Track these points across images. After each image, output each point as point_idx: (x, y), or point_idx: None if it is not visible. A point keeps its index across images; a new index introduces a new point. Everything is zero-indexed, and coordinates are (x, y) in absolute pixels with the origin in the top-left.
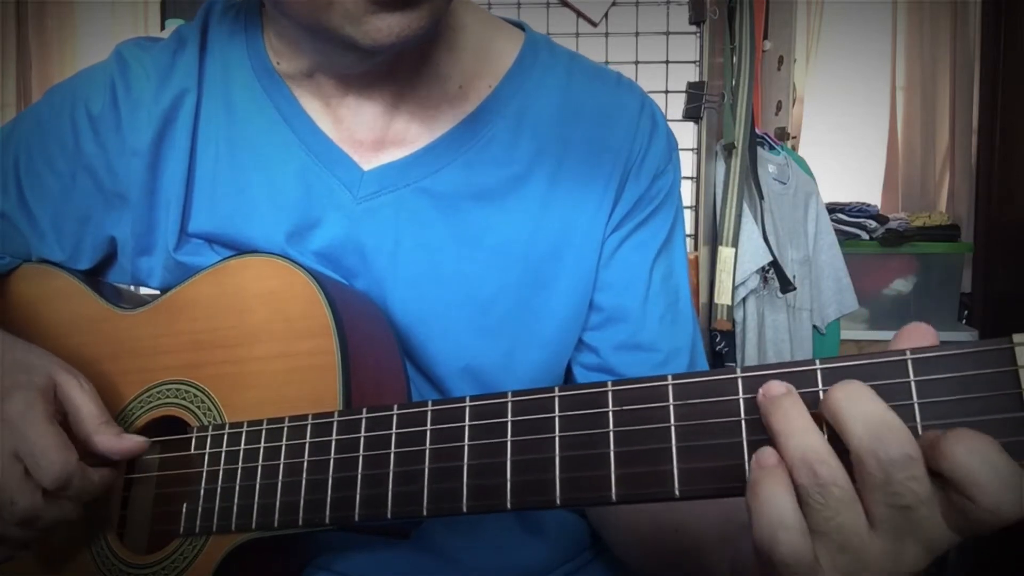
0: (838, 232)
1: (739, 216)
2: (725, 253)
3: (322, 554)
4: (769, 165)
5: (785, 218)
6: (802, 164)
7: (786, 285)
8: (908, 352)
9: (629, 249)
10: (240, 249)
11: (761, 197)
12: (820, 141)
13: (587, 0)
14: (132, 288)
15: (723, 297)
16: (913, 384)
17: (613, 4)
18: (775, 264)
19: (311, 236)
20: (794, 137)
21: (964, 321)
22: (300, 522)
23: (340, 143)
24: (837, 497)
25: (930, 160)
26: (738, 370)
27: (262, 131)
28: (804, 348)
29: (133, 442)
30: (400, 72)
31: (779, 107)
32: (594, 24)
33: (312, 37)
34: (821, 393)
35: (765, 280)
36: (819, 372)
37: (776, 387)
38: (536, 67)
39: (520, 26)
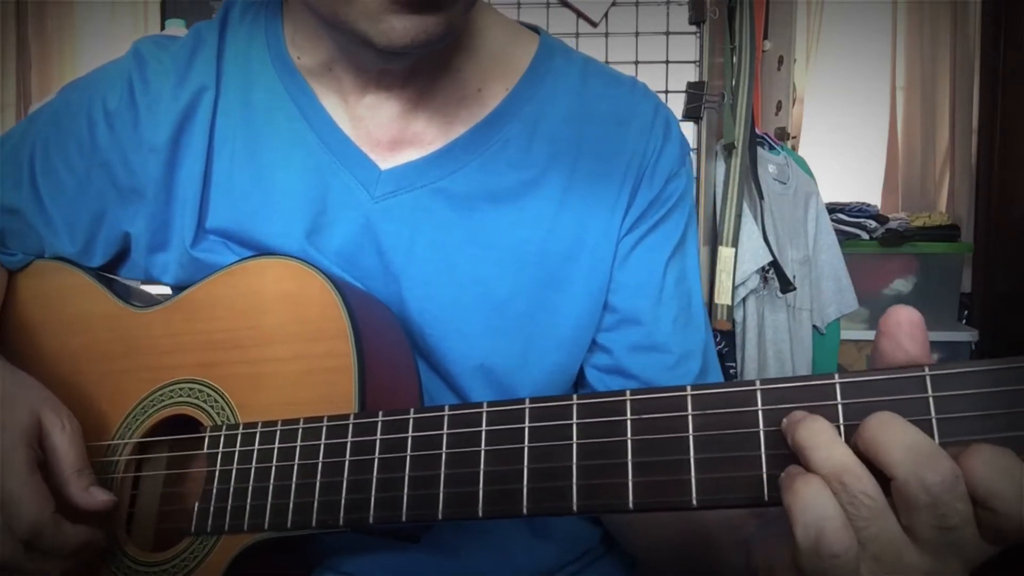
0: (838, 232)
1: (739, 216)
2: (725, 253)
3: (331, 556)
4: (769, 165)
5: (785, 218)
6: (802, 164)
7: (786, 285)
8: (927, 369)
9: (643, 251)
10: (257, 247)
11: (761, 197)
12: (820, 141)
13: (587, 0)
14: (143, 287)
15: (723, 297)
16: (932, 400)
17: (613, 4)
18: (775, 264)
19: (328, 234)
20: (794, 137)
21: (964, 321)
22: (314, 523)
23: (357, 141)
24: (868, 506)
25: (930, 160)
26: (757, 382)
27: (281, 128)
28: (804, 348)
29: (97, 500)
30: (420, 74)
31: (779, 107)
32: (594, 24)
33: (331, 30)
34: (840, 407)
35: (765, 280)
36: (838, 386)
37: (799, 413)
38: (551, 71)
39: (536, 30)
